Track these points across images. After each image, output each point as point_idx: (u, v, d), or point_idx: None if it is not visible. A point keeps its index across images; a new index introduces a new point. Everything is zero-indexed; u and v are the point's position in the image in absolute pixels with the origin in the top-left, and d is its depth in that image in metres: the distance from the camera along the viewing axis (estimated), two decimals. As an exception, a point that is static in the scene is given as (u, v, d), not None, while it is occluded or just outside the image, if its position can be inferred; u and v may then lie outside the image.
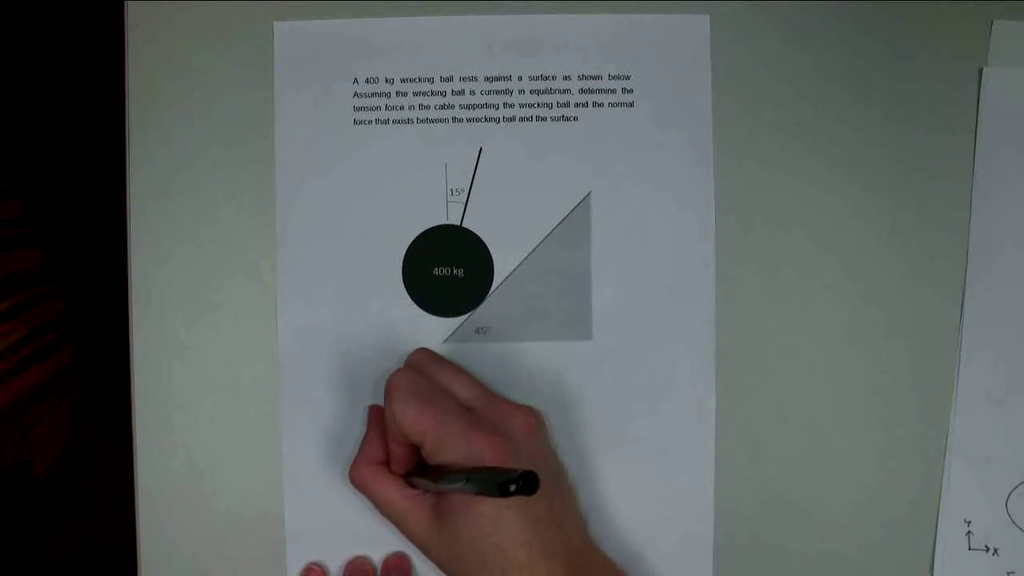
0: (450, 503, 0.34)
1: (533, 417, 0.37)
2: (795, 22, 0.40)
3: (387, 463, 0.37)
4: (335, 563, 0.40)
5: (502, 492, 0.29)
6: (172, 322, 0.40)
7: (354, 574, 0.40)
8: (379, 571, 0.40)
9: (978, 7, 0.40)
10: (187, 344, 0.40)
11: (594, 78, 0.40)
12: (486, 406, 0.36)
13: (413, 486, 0.36)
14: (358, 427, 0.40)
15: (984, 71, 0.40)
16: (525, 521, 0.33)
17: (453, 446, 0.34)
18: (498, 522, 0.33)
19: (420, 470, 0.37)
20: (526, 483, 0.29)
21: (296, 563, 0.40)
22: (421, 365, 0.38)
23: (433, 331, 0.40)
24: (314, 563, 0.40)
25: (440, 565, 0.36)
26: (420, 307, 0.40)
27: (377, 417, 0.39)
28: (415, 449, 0.36)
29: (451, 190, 0.40)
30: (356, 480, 0.37)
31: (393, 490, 0.36)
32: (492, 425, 0.35)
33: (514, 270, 0.40)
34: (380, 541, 0.40)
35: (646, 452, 0.40)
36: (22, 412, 0.63)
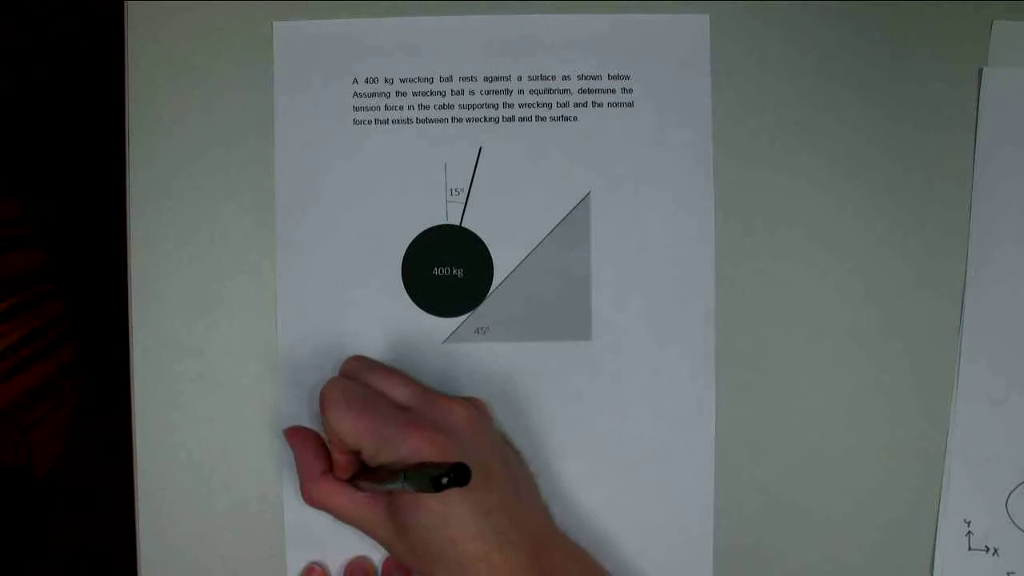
0: (400, 502, 0.34)
1: (474, 408, 0.36)
2: (795, 22, 0.40)
3: (329, 472, 0.37)
4: (335, 563, 0.40)
5: (436, 487, 0.29)
6: (172, 322, 0.40)
7: (354, 574, 0.40)
8: (379, 571, 0.40)
9: (978, 7, 0.40)
10: (187, 344, 0.40)
11: (594, 78, 0.40)
12: (423, 404, 0.36)
13: (361, 489, 0.36)
14: (358, 427, 0.40)
15: (984, 71, 0.40)
16: (475, 512, 0.33)
17: (391, 448, 0.34)
18: (447, 516, 0.33)
19: (364, 472, 0.36)
20: (457, 475, 0.29)
21: (296, 563, 0.40)
22: (354, 372, 0.37)
23: (433, 331, 0.40)
24: (314, 563, 0.40)
25: (404, 562, 0.36)
26: (420, 307, 0.40)
27: (298, 436, 0.38)
28: (356, 453, 0.36)
29: (451, 190, 0.40)
30: (310, 500, 0.37)
31: (344, 498, 0.36)
32: (430, 421, 0.35)
33: (514, 270, 0.40)
34: (380, 541, 0.40)
35: (646, 452, 0.40)
36: (22, 412, 0.63)
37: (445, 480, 0.29)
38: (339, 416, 0.34)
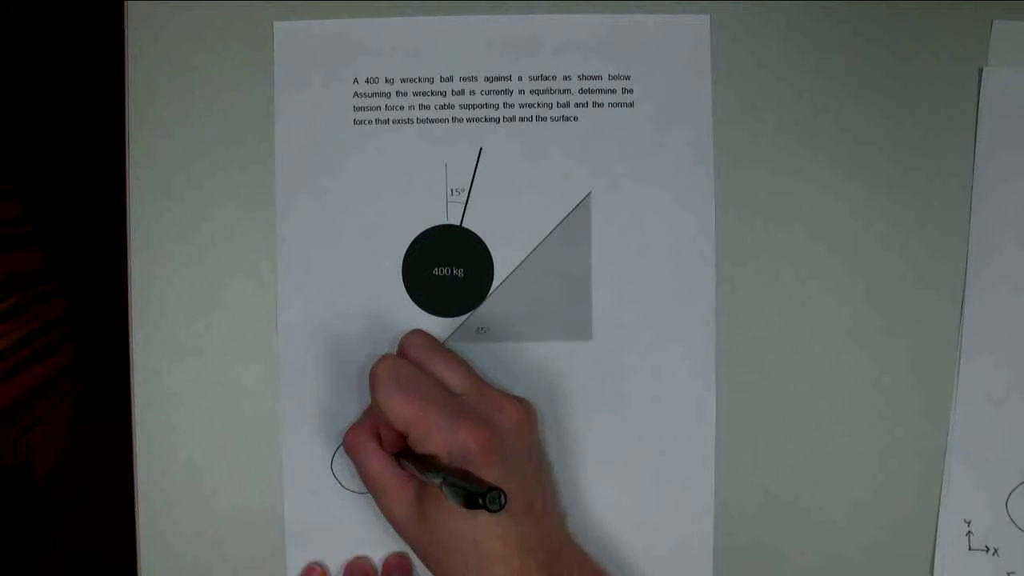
0: (432, 492, 0.34)
1: (525, 410, 0.36)
2: (795, 22, 0.40)
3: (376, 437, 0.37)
4: (335, 563, 0.40)
5: (468, 503, 0.29)
6: (172, 322, 0.40)
7: (354, 574, 0.40)
8: (379, 571, 0.40)
9: (978, 7, 0.40)
10: (187, 344, 0.40)
11: (594, 78, 0.40)
12: (476, 395, 0.36)
13: (402, 466, 0.36)
14: (358, 427, 0.40)
15: (984, 71, 0.40)
16: (504, 514, 0.33)
17: (438, 437, 0.33)
18: (477, 516, 0.33)
19: (409, 453, 0.36)
20: (492, 500, 0.29)
21: (296, 563, 0.40)
22: (412, 350, 0.37)
23: (433, 331, 0.40)
24: (314, 563, 0.40)
25: (414, 548, 0.36)
26: (420, 307, 0.40)
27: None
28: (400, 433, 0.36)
29: (451, 190, 0.40)
30: (349, 444, 0.37)
31: (381, 464, 0.36)
32: (480, 416, 0.34)
33: (514, 270, 0.40)
34: (380, 541, 0.40)
35: (645, 452, 0.40)
36: (22, 412, 0.63)
37: (481, 501, 0.29)
38: (387, 397, 0.34)
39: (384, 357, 0.36)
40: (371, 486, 0.37)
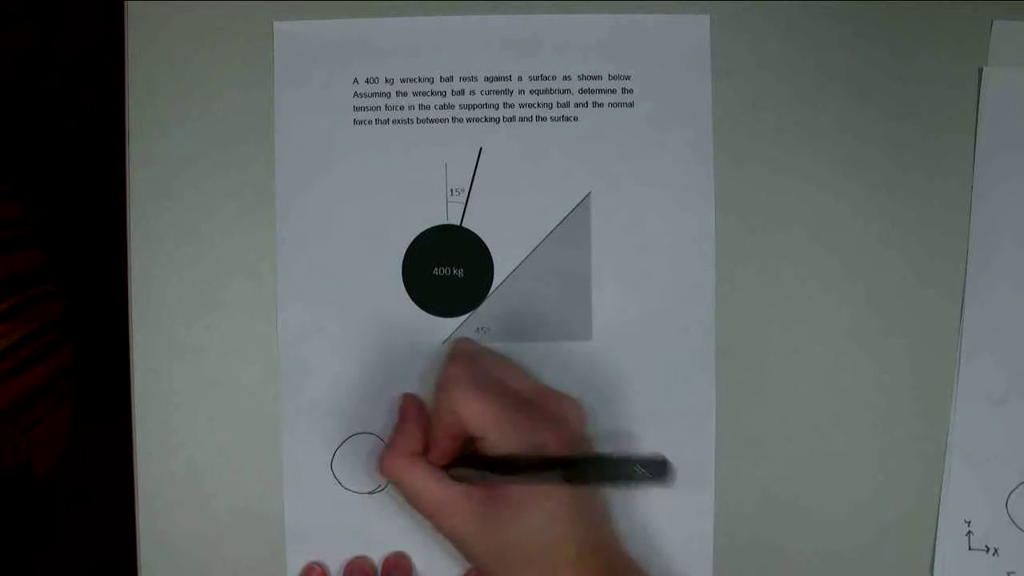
0: (506, 497, 0.33)
1: (582, 409, 0.36)
2: (795, 22, 0.40)
3: (423, 453, 0.36)
4: (335, 563, 0.40)
5: (633, 478, 0.28)
6: (172, 322, 0.40)
7: (354, 574, 0.40)
8: (379, 571, 0.40)
9: (978, 7, 0.40)
10: (187, 344, 0.40)
11: (594, 78, 0.40)
12: (541, 396, 0.35)
13: (456, 478, 0.35)
14: (358, 427, 0.40)
15: (984, 71, 0.40)
16: (581, 517, 0.33)
17: (518, 438, 0.33)
18: (557, 517, 0.32)
19: (465, 461, 0.35)
20: (656, 470, 0.28)
21: (296, 563, 0.40)
22: (472, 355, 0.36)
23: (433, 331, 0.40)
24: (314, 563, 0.40)
25: (479, 560, 0.34)
26: (420, 307, 0.40)
27: (414, 407, 0.38)
28: (460, 441, 0.35)
29: (451, 190, 0.40)
30: (391, 471, 0.35)
31: (433, 482, 0.34)
32: (552, 416, 0.34)
33: (514, 270, 0.40)
34: (380, 541, 0.40)
35: (645, 452, 0.40)
36: (22, 412, 0.63)
37: (643, 471, 0.28)
38: (467, 399, 0.33)
39: (454, 359, 0.35)
40: (430, 508, 0.35)
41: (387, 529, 0.40)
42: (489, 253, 0.40)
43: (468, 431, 0.34)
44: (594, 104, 0.40)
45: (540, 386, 0.36)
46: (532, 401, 0.35)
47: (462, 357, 0.36)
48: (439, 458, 0.35)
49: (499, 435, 0.33)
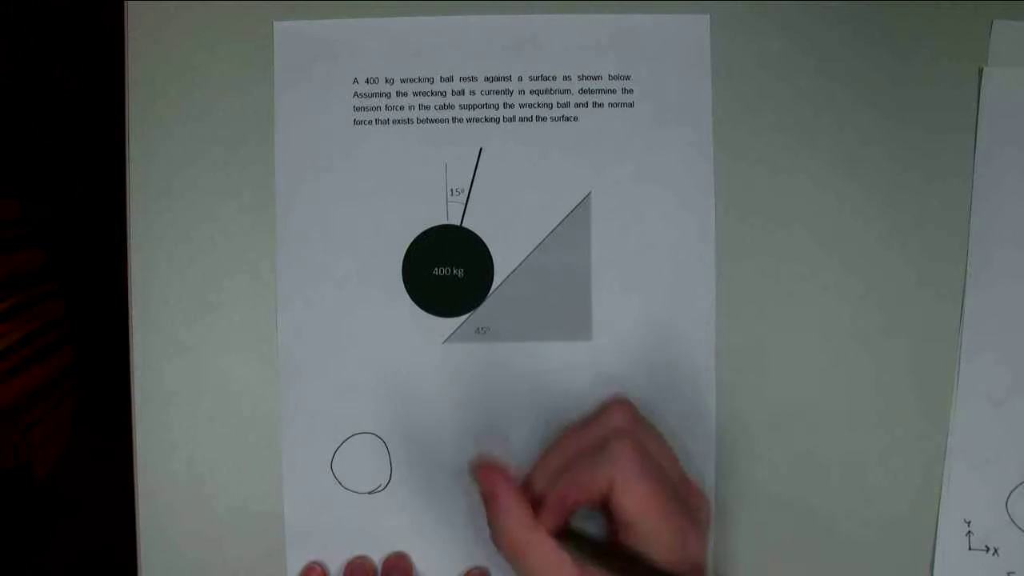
0: None
1: (711, 506, 0.34)
2: (795, 22, 0.40)
3: (534, 519, 0.32)
4: (335, 563, 0.40)
5: None
6: (172, 322, 0.40)
7: (354, 574, 0.40)
8: (379, 571, 0.40)
9: (978, 7, 0.40)
10: (187, 344, 0.40)
11: (594, 78, 0.40)
12: (685, 488, 0.32)
13: (560, 547, 0.31)
14: (358, 427, 0.40)
15: (984, 71, 0.40)
16: None
17: (664, 539, 0.30)
18: None
19: (571, 536, 0.32)
20: None
21: (296, 563, 0.40)
22: (636, 426, 0.33)
23: (433, 331, 0.40)
24: (314, 563, 0.40)
25: None
26: (420, 307, 0.40)
27: (497, 475, 0.32)
28: (574, 512, 0.32)
29: (451, 190, 0.40)
30: (511, 546, 0.31)
31: (548, 557, 0.31)
32: (693, 517, 0.31)
33: (514, 270, 0.40)
34: (380, 541, 0.40)
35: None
36: (22, 412, 0.63)
37: None
38: (637, 481, 0.30)
39: (625, 437, 0.31)
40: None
41: (387, 529, 0.40)
42: (489, 253, 0.40)
43: (620, 515, 0.30)
44: (594, 104, 0.40)
45: (684, 476, 0.33)
46: (681, 496, 0.32)
47: (629, 433, 0.32)
48: (551, 520, 0.32)
49: (651, 528, 0.30)
